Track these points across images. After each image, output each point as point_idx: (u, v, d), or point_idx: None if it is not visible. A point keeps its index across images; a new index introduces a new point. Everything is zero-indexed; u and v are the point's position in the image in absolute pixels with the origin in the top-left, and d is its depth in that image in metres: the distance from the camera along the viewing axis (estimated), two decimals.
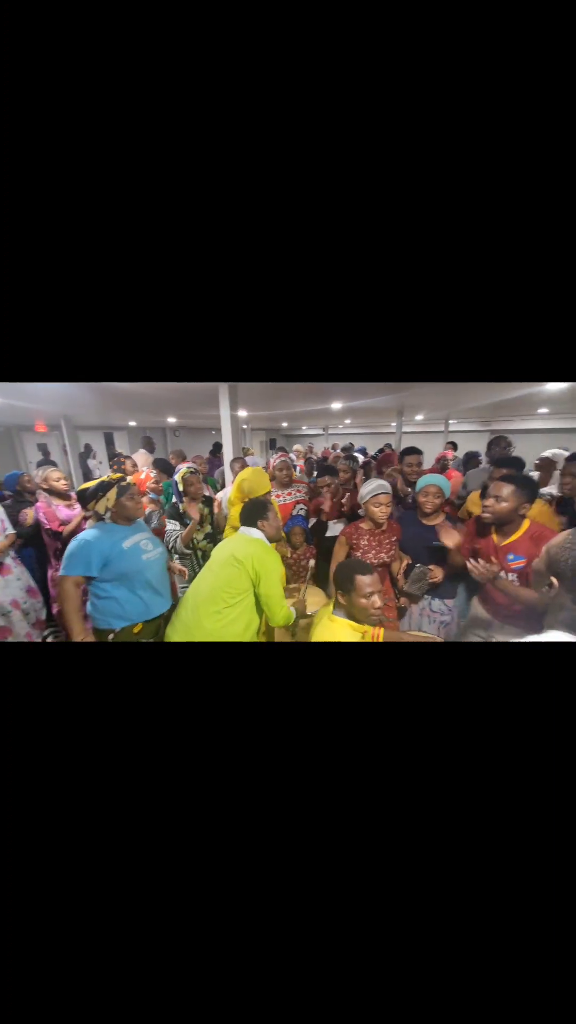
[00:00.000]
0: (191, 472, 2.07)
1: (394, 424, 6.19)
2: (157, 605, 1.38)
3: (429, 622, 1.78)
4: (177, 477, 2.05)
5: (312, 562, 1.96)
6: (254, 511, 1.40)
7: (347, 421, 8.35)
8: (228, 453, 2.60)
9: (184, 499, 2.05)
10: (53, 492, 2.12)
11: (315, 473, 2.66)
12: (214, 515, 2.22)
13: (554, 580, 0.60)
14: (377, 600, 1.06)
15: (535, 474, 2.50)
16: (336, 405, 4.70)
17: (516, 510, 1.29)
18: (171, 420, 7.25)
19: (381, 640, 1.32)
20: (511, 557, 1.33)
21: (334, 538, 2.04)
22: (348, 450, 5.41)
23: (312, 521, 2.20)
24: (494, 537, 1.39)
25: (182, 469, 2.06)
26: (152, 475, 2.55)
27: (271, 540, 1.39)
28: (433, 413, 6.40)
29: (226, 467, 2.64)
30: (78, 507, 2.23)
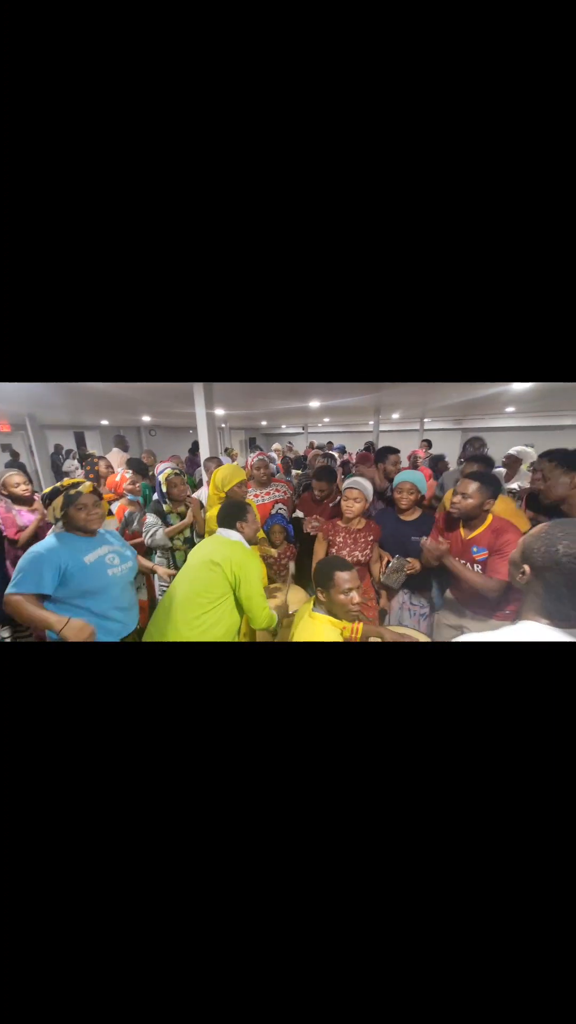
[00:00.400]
0: (175, 473, 2.01)
1: (372, 422, 6.31)
2: (128, 623, 1.27)
3: (410, 615, 1.83)
4: (161, 478, 1.99)
5: (291, 563, 1.96)
6: (232, 512, 1.38)
7: (326, 419, 8.42)
8: (205, 452, 2.55)
9: (168, 502, 2.00)
10: (13, 497, 2.00)
11: (293, 472, 2.67)
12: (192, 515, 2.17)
13: (526, 568, 0.62)
14: (356, 596, 1.07)
15: (501, 470, 2.62)
16: (314, 404, 4.72)
17: (481, 505, 1.37)
18: (146, 419, 7.04)
19: (360, 635, 1.34)
20: (475, 549, 1.42)
21: (315, 537, 2.05)
22: (324, 448, 5.46)
23: (295, 515, 2.20)
24: (461, 531, 1.47)
25: (166, 470, 2.00)
26: (128, 476, 2.46)
27: (249, 542, 1.38)
28: (409, 412, 6.57)
29: (203, 467, 2.59)
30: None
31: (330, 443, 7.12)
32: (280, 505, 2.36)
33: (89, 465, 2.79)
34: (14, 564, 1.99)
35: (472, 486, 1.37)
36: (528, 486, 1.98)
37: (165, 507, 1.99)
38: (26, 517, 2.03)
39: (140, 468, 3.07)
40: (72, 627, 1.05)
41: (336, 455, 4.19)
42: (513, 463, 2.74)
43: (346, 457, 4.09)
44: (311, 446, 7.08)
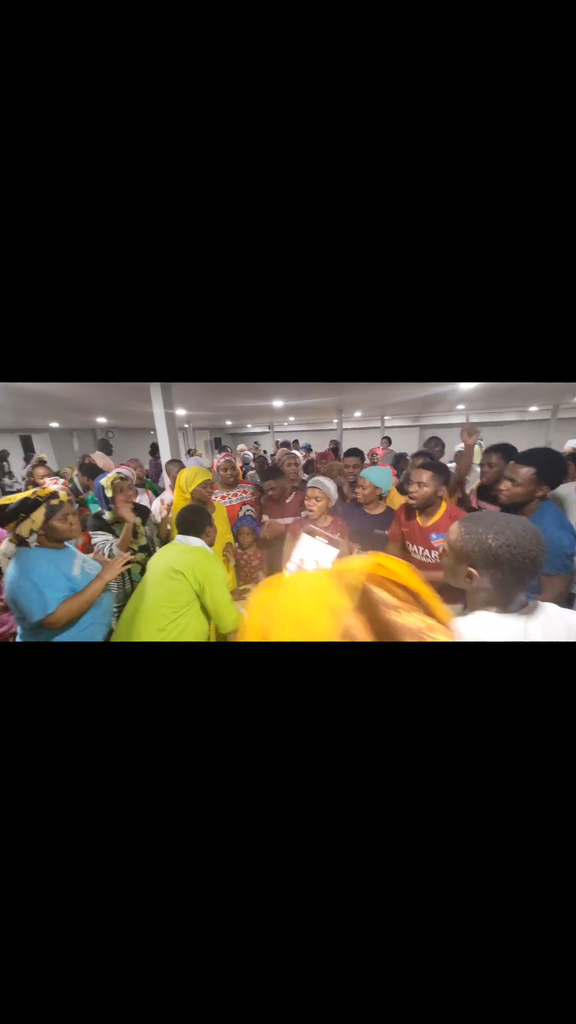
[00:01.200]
0: (120, 478, 1.90)
1: (335, 421, 6.44)
2: (104, 629, 1.24)
3: None
4: (104, 482, 1.88)
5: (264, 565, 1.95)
6: (193, 519, 1.34)
7: (291, 419, 8.47)
8: (165, 454, 2.46)
9: (111, 508, 1.89)
10: None
11: (252, 473, 2.66)
12: (150, 524, 2.08)
13: (472, 571, 0.61)
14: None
15: (452, 465, 2.81)
16: (277, 403, 4.73)
17: (435, 493, 1.47)
18: (101, 420, 6.65)
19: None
20: (434, 536, 1.52)
21: (282, 538, 2.06)
22: (287, 447, 5.50)
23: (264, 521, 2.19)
24: (419, 519, 1.56)
25: (110, 474, 1.89)
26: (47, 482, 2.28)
27: (210, 546, 1.35)
28: (370, 410, 6.79)
29: (165, 471, 2.49)
30: None
31: (296, 441, 7.18)
32: (248, 507, 2.34)
33: (28, 472, 2.58)
34: None
35: (426, 475, 1.46)
36: (479, 480, 2.14)
37: (108, 515, 1.87)
38: None
39: (92, 473, 2.89)
40: (110, 569, 1.19)
41: (298, 454, 4.24)
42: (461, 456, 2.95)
43: (312, 456, 4.15)
44: (277, 445, 7.09)
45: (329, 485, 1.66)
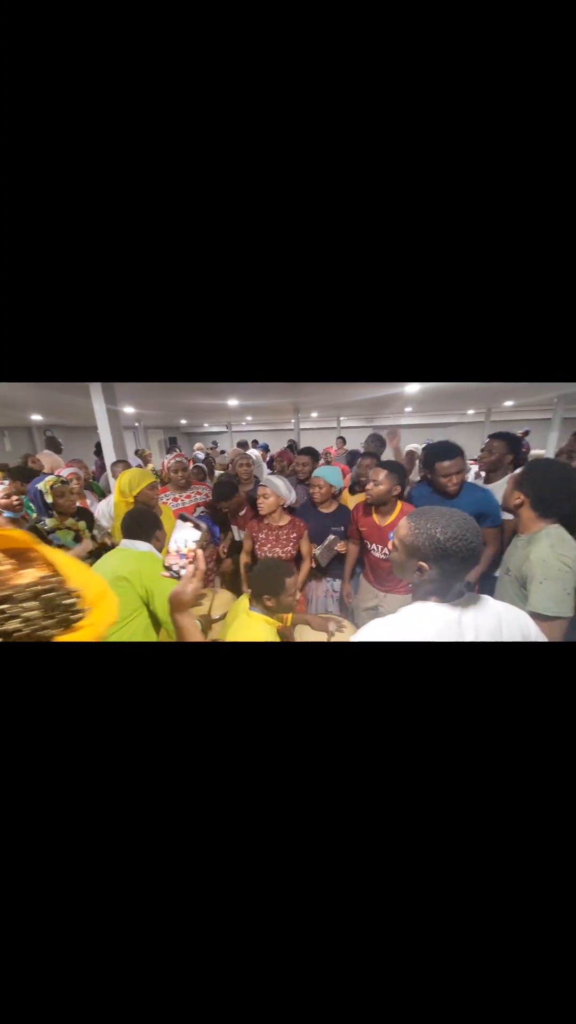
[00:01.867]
0: (60, 482, 1.74)
1: (293, 421, 6.50)
2: None
3: (332, 601, 1.96)
4: (42, 487, 1.70)
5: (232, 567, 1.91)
6: (141, 522, 1.26)
7: (249, 418, 8.39)
8: (109, 455, 2.29)
9: (53, 515, 1.73)
10: None
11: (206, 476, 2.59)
12: (96, 531, 1.94)
13: (422, 565, 0.63)
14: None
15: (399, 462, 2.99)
16: (232, 402, 4.65)
17: (390, 491, 1.52)
18: (35, 417, 6.04)
19: (289, 622, 1.38)
20: (392, 535, 1.60)
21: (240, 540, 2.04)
22: (243, 446, 5.45)
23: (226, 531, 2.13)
24: (376, 518, 1.60)
25: (49, 478, 1.72)
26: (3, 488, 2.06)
27: (161, 551, 1.28)
28: (326, 411, 6.96)
29: (109, 472, 2.33)
30: None
31: (254, 441, 7.13)
32: (203, 508, 2.27)
33: None
34: None
35: (382, 473, 1.51)
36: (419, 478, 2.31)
37: (49, 522, 1.72)
38: None
39: (27, 476, 2.62)
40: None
41: (253, 454, 4.22)
42: (410, 458, 3.16)
43: (269, 456, 4.15)
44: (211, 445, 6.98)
45: (279, 484, 1.66)
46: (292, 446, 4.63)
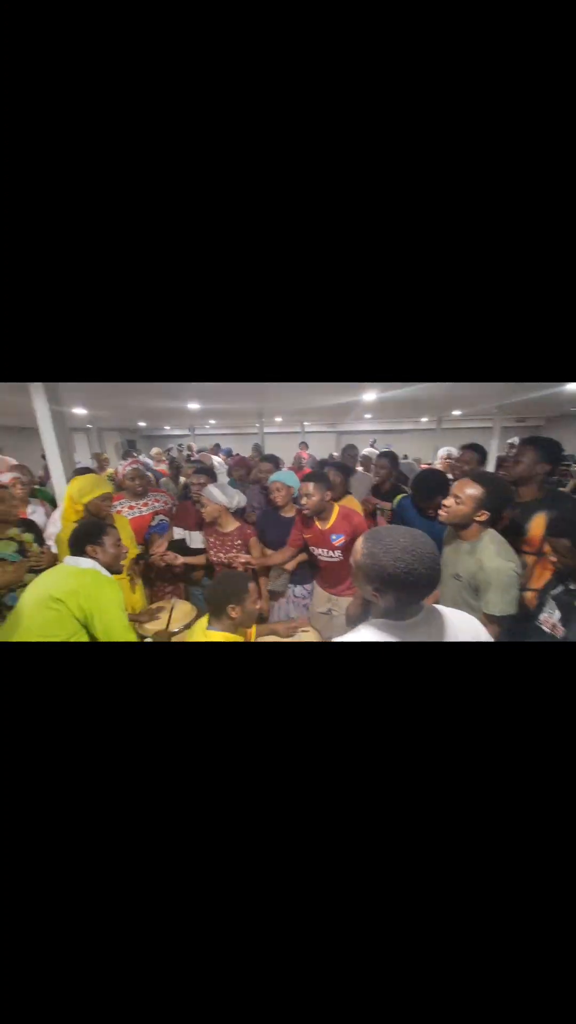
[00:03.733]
0: (2, 487, 1.58)
1: (257, 425, 6.49)
2: None
3: (295, 607, 1.99)
4: None
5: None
6: (81, 535, 1.17)
7: (212, 421, 8.23)
8: (53, 461, 2.12)
9: None
10: None
11: (164, 480, 2.51)
12: (43, 543, 1.78)
13: (375, 594, 0.61)
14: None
15: (360, 468, 3.13)
16: (193, 405, 4.54)
17: (323, 499, 1.61)
18: None
19: (254, 638, 1.35)
20: (333, 537, 1.66)
21: (198, 550, 1.99)
22: (205, 450, 5.34)
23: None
24: (318, 524, 1.69)
25: None
26: None
27: (110, 569, 1.19)
28: (290, 416, 7.03)
29: (57, 478, 2.15)
30: None
31: (216, 445, 7.00)
32: (161, 516, 2.18)
33: None
34: None
35: (309, 486, 1.59)
36: (376, 478, 2.42)
37: None
38: None
39: None
40: None
41: (222, 458, 4.15)
42: (365, 462, 3.34)
43: (230, 462, 4.11)
44: (182, 449, 6.79)
45: (214, 492, 1.70)
46: (258, 451, 4.61)
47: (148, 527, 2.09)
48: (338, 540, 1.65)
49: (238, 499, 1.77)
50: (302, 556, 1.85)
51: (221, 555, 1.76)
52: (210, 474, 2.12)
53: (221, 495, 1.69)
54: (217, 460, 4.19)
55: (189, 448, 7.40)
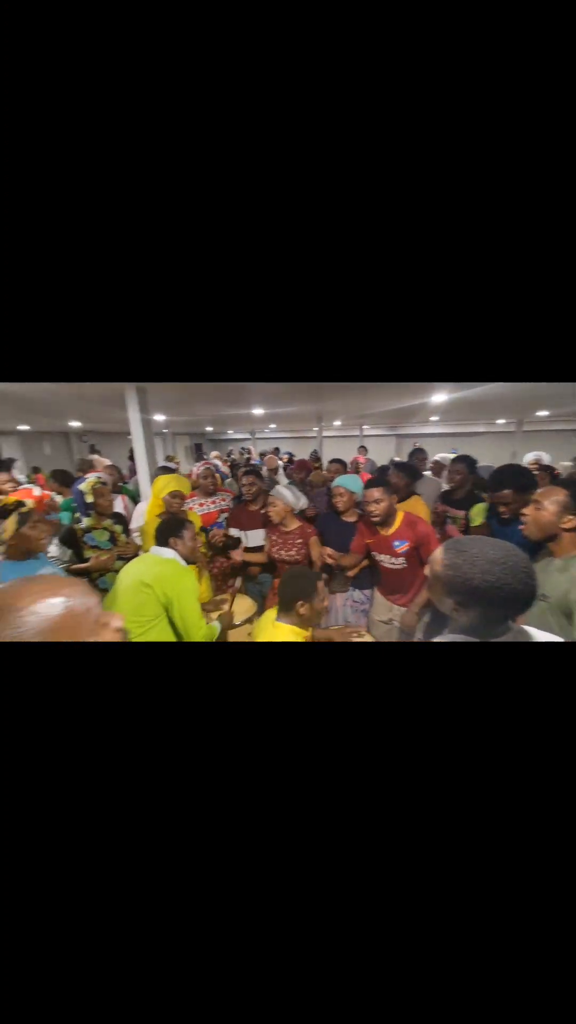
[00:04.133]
0: (100, 483, 1.84)
1: (316, 429, 6.52)
2: None
3: (352, 611, 1.95)
4: (84, 487, 1.80)
5: (238, 581, 1.98)
6: (165, 529, 1.30)
7: (272, 426, 8.50)
8: (141, 462, 2.39)
9: (91, 514, 1.82)
10: None
11: (229, 481, 2.67)
12: (129, 535, 2.02)
13: (458, 608, 0.56)
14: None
15: (428, 473, 2.92)
16: (257, 411, 4.73)
17: (391, 504, 1.58)
18: (74, 424, 6.40)
19: (311, 638, 1.37)
20: (396, 543, 1.61)
21: (250, 549, 2.08)
22: (265, 453, 5.50)
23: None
24: (381, 531, 1.65)
25: (90, 478, 1.82)
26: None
27: (187, 560, 1.31)
28: (349, 419, 6.93)
29: (143, 477, 2.42)
30: None
31: (276, 449, 7.20)
32: (226, 515, 2.32)
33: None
34: None
35: (376, 492, 1.55)
36: (447, 486, 2.26)
37: (87, 521, 1.81)
38: None
39: (65, 480, 2.78)
40: None
41: (282, 461, 4.26)
42: (438, 467, 3.09)
43: (292, 466, 4.20)
44: (244, 452, 7.05)
45: (286, 493, 1.79)
46: (315, 456, 4.64)
47: (214, 523, 2.24)
48: (401, 547, 1.60)
49: (303, 501, 1.87)
50: (364, 561, 1.82)
51: (283, 552, 1.82)
52: (258, 476, 2.23)
53: (290, 496, 1.77)
54: (279, 463, 4.33)
55: (248, 451, 7.73)
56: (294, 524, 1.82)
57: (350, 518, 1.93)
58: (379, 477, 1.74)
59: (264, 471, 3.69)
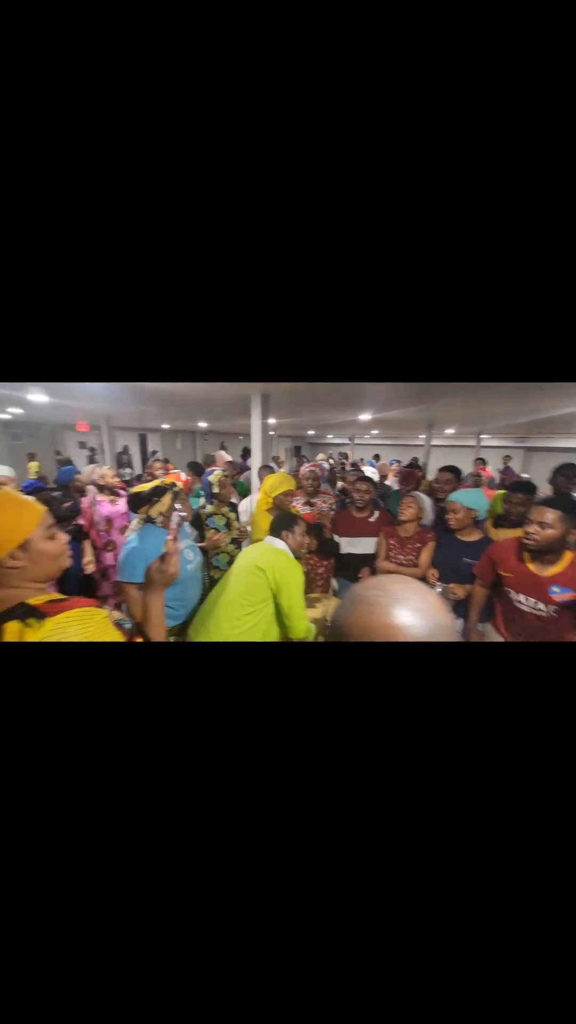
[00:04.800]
0: (225, 476, 2.14)
1: (423, 436, 6.07)
2: (188, 611, 1.45)
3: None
4: (212, 478, 2.12)
5: (334, 583, 2.02)
6: (282, 522, 1.43)
7: (374, 432, 8.28)
8: (256, 460, 2.66)
9: (214, 501, 2.13)
10: (105, 489, 2.28)
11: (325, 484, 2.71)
12: (239, 521, 2.28)
13: None
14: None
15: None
16: (365, 416, 4.68)
17: (563, 537, 1.19)
18: (202, 424, 7.50)
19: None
20: (555, 590, 1.23)
21: (351, 555, 2.07)
22: (356, 465, 5.33)
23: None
24: (531, 565, 1.27)
25: (216, 471, 2.14)
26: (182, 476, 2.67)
27: (295, 553, 1.41)
28: (465, 427, 6.22)
29: (253, 473, 2.70)
30: (121, 504, 2.37)
31: (376, 456, 6.98)
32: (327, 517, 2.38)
33: (148, 465, 3.07)
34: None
35: (551, 514, 1.17)
36: None
37: (210, 508, 2.11)
38: (106, 508, 2.29)
39: (197, 470, 3.29)
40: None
41: (375, 469, 4.11)
42: None
43: (389, 471, 4.00)
44: (339, 458, 6.95)
45: (426, 500, 1.78)
46: (415, 464, 4.31)
47: (313, 524, 2.33)
48: (562, 595, 1.23)
49: (431, 515, 1.92)
50: (481, 593, 1.51)
51: (400, 557, 1.83)
52: (372, 483, 2.18)
53: (429, 507, 1.83)
54: (370, 470, 4.20)
55: (345, 456, 7.70)
56: (413, 530, 1.81)
57: (467, 537, 1.71)
58: (558, 498, 1.38)
59: (375, 477, 3.62)
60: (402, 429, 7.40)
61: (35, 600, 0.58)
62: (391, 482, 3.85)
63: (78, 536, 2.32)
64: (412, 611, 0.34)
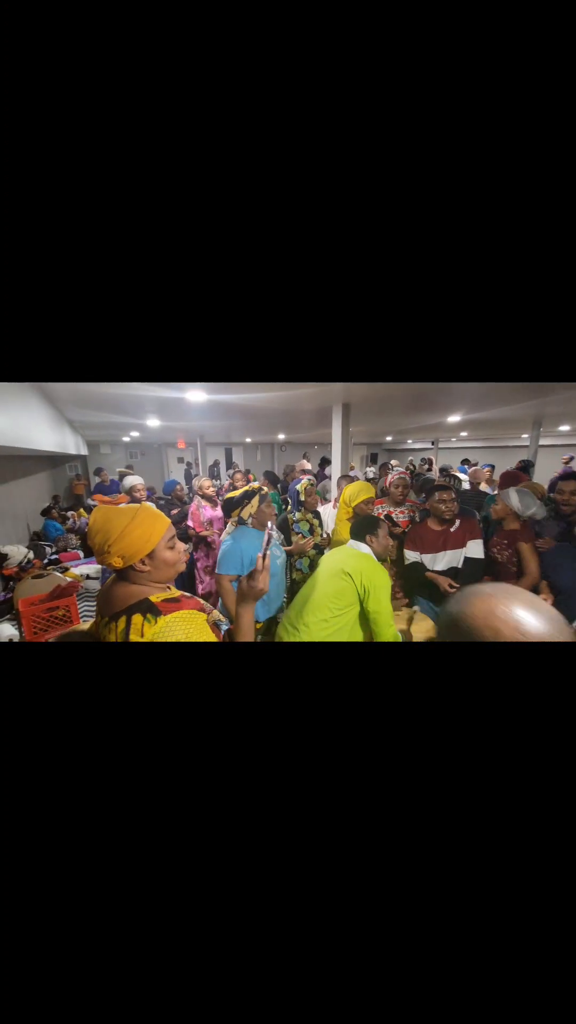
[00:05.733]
0: (311, 485, 2.23)
1: (526, 436, 5.26)
2: (275, 607, 1.58)
3: None
4: (299, 487, 2.24)
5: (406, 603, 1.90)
6: (365, 526, 1.41)
7: (463, 433, 7.50)
8: (336, 469, 2.69)
9: (301, 509, 2.23)
10: (205, 497, 2.64)
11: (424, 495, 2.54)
12: (323, 528, 2.32)
13: None
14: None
15: None
16: (454, 418, 4.30)
17: None
18: (281, 436, 7.90)
19: None
20: None
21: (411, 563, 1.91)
22: (446, 471, 4.77)
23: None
24: None
25: (303, 480, 2.24)
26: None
27: (379, 557, 1.37)
28: None
29: (332, 482, 2.73)
30: (218, 509, 2.70)
31: (465, 460, 6.30)
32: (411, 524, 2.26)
33: (231, 476, 3.38)
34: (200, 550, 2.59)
35: None
36: None
37: (297, 515, 2.20)
38: (208, 513, 2.63)
39: (274, 480, 3.48)
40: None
41: (464, 476, 3.69)
42: None
43: (474, 474, 3.53)
44: (421, 463, 6.38)
45: (512, 497, 1.67)
46: (525, 468, 3.72)
47: (403, 531, 2.22)
48: None
49: (535, 510, 1.74)
50: None
51: (505, 554, 1.79)
52: (458, 493, 2.02)
53: (516, 500, 1.74)
54: (463, 475, 3.79)
55: (428, 461, 7.12)
56: (512, 525, 1.75)
57: None
58: None
59: (466, 484, 3.30)
60: (497, 429, 6.54)
61: (155, 597, 0.67)
62: (486, 488, 3.43)
63: (184, 539, 2.70)
64: (530, 606, 0.36)
